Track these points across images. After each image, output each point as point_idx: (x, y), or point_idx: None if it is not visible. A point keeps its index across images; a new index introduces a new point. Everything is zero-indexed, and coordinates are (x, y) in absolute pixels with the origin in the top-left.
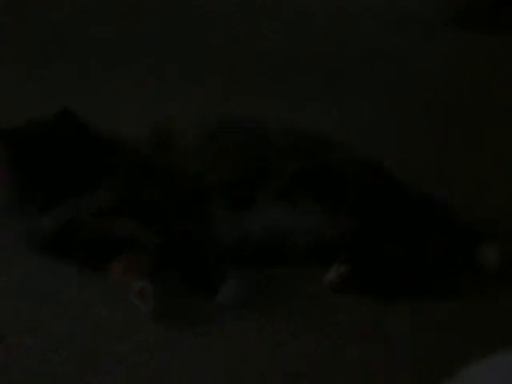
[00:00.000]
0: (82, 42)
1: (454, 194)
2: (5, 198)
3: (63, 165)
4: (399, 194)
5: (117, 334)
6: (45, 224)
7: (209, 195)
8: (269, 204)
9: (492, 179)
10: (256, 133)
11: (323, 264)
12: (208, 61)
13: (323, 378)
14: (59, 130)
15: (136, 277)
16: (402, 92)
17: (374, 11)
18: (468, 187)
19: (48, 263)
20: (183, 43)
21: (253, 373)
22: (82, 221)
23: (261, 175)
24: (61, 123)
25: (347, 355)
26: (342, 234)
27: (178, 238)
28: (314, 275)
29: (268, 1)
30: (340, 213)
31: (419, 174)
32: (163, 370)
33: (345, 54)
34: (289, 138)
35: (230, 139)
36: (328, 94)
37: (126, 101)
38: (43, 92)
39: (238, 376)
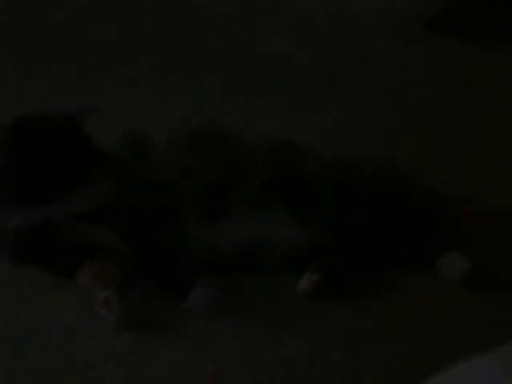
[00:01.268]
0: (81, 41)
1: (454, 191)
2: None
3: (48, 165)
4: (375, 196)
5: (87, 342)
6: (17, 222)
7: (182, 203)
8: (242, 213)
9: (492, 179)
10: (230, 142)
11: (296, 273)
12: (208, 61)
13: None
14: (58, 131)
15: (102, 285)
16: (401, 92)
17: (373, 11)
18: (467, 186)
19: (18, 268)
20: (183, 43)
21: (227, 380)
22: (55, 224)
23: (234, 184)
24: (64, 125)
25: (322, 363)
26: (315, 243)
27: (149, 245)
28: (288, 284)
29: (268, 1)
30: (312, 222)
31: (420, 172)
32: (133, 378)
33: (344, 54)
34: (263, 148)
35: (205, 147)
36: (328, 94)
37: (126, 101)
38: (43, 92)
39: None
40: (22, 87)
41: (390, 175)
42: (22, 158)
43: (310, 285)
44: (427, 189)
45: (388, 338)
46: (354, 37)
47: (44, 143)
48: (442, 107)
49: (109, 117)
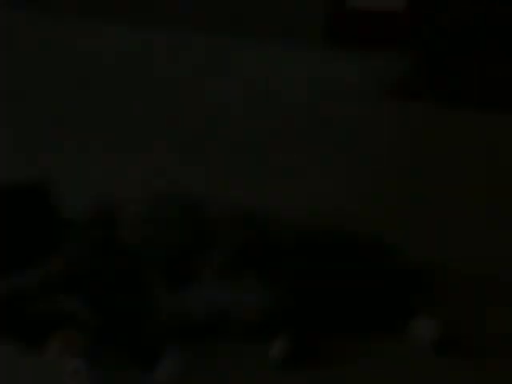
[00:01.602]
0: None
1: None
2: None
3: (15, 233)
4: (340, 253)
5: None
6: None
7: (148, 269)
8: (209, 279)
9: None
10: (192, 209)
11: (266, 338)
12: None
13: None
14: (27, 198)
15: (71, 355)
16: (358, 154)
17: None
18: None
19: None
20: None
21: None
22: (21, 293)
23: (199, 250)
24: (31, 193)
25: None
26: (284, 309)
27: (114, 312)
28: (256, 351)
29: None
30: (279, 286)
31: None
32: None
33: (305, 117)
34: (225, 214)
35: (167, 214)
36: (287, 157)
37: (87, 166)
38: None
39: None
40: None
41: (354, 236)
42: None
43: (280, 353)
44: (391, 250)
45: None
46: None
47: (12, 211)
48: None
49: (72, 183)
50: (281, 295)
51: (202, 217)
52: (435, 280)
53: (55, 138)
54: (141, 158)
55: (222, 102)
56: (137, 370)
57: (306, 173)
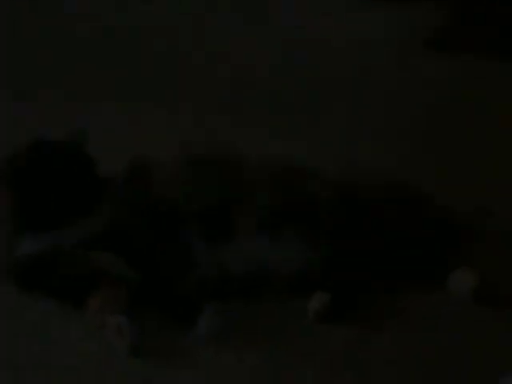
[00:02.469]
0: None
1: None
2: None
3: (55, 191)
4: (378, 206)
5: (95, 370)
6: (25, 249)
7: (186, 228)
8: (249, 236)
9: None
10: (231, 163)
11: (305, 295)
12: (183, 86)
13: None
14: (64, 156)
15: (112, 312)
16: (400, 108)
17: (373, 31)
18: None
19: (29, 298)
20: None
21: None
22: (62, 251)
23: (237, 206)
24: (68, 150)
25: None
26: (323, 263)
27: (155, 271)
28: (296, 307)
29: (255, 29)
30: (318, 242)
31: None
32: None
33: (343, 71)
34: (263, 168)
35: (206, 171)
36: (326, 112)
37: (126, 126)
38: (33, 119)
39: None
40: (14, 112)
41: (392, 190)
42: (30, 184)
43: (320, 306)
44: (429, 203)
45: (402, 357)
46: (353, 55)
47: (52, 169)
48: (442, 120)
49: (109, 142)
50: (319, 250)
51: (240, 172)
52: (474, 231)
53: (92, 98)
54: (179, 119)
55: (261, 52)
56: (176, 327)
57: (343, 128)
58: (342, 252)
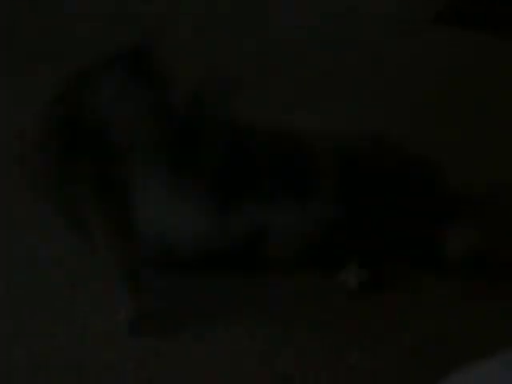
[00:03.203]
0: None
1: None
2: None
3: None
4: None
5: (104, 342)
6: None
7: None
8: (248, 201)
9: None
10: (233, 133)
11: (317, 267)
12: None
13: None
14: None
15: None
16: (409, 82)
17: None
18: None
19: (39, 271)
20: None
21: (244, 379)
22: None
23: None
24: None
25: (345, 359)
26: (326, 230)
27: None
28: (306, 280)
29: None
30: (320, 212)
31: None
32: (151, 379)
33: (353, 44)
34: (264, 137)
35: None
36: (336, 83)
37: None
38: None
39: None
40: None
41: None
42: None
43: (358, 283)
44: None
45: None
46: (363, 28)
47: None
48: (450, 94)
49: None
50: (321, 219)
51: (242, 140)
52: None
53: None
54: None
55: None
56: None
57: (353, 96)
58: (342, 223)
